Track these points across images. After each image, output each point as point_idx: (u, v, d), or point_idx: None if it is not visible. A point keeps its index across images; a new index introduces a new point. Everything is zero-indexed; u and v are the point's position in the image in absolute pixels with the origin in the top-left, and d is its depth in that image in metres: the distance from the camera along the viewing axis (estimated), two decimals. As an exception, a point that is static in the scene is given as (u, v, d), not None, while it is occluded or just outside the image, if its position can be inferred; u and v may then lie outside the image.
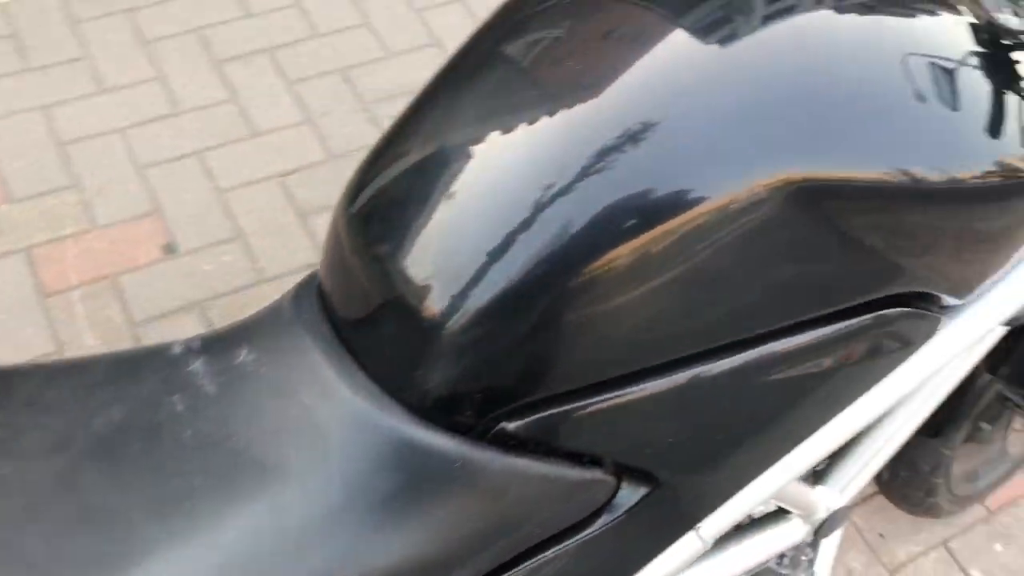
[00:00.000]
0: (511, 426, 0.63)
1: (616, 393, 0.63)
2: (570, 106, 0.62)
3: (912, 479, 1.35)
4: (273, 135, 1.97)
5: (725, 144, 0.60)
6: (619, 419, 0.64)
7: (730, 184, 0.59)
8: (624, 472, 0.68)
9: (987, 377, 1.16)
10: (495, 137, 0.63)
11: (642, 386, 0.64)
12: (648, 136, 0.60)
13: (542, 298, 0.59)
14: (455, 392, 0.62)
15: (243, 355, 0.67)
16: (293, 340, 0.67)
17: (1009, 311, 0.76)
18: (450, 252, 0.61)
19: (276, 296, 0.73)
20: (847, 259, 0.64)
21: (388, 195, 0.66)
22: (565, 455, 0.65)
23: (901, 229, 0.64)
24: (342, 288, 0.68)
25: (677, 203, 0.59)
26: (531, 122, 0.62)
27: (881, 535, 1.58)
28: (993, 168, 0.64)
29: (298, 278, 0.75)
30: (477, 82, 0.67)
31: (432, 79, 0.71)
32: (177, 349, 0.68)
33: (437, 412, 0.62)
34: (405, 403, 0.63)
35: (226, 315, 1.67)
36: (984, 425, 1.33)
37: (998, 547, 1.60)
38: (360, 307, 0.67)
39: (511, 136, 0.62)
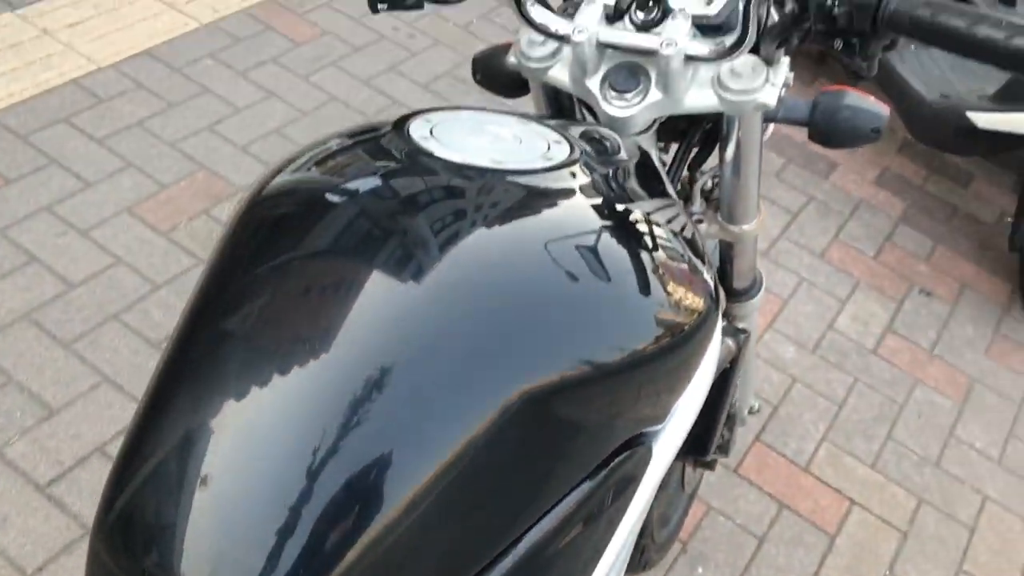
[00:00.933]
0: None
1: None
2: (303, 367, 0.64)
3: (628, 549, 1.51)
4: None
5: (457, 378, 0.66)
6: None
7: (472, 413, 0.65)
8: None
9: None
10: (243, 414, 0.63)
11: None
12: (387, 383, 0.64)
13: (339, 568, 0.61)
14: None
15: None
16: None
17: (694, 414, 0.92)
18: (229, 547, 0.60)
19: None
20: (577, 439, 0.74)
21: (147, 499, 0.63)
22: None
23: (610, 399, 0.75)
24: None
25: (435, 442, 0.64)
26: (274, 392, 0.64)
27: (610, 600, 1.73)
28: (657, 328, 0.77)
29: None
30: (206, 364, 0.67)
31: (157, 371, 0.70)
32: None
33: None
34: None
35: None
36: (661, 475, 1.52)
37: (700, 570, 1.83)
38: None
39: (260, 411, 0.63)
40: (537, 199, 0.75)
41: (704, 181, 1.20)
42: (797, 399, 2.20)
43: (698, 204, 1.22)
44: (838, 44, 0.80)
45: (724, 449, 1.49)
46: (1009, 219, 2.64)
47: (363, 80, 2.72)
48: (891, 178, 2.92)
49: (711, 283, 0.85)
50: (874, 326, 2.43)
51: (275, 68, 2.69)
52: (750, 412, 1.68)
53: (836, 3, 0.77)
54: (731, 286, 1.31)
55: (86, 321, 1.95)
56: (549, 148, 0.81)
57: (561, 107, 1.15)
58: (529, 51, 1.04)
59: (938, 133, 2.65)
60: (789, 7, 0.82)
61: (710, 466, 1.51)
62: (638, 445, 0.83)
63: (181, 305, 2.01)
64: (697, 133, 1.15)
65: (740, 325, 1.35)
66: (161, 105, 2.48)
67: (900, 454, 2.14)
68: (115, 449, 1.75)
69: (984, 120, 2.46)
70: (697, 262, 0.84)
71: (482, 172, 0.75)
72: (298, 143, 2.44)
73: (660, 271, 0.78)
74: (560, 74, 1.03)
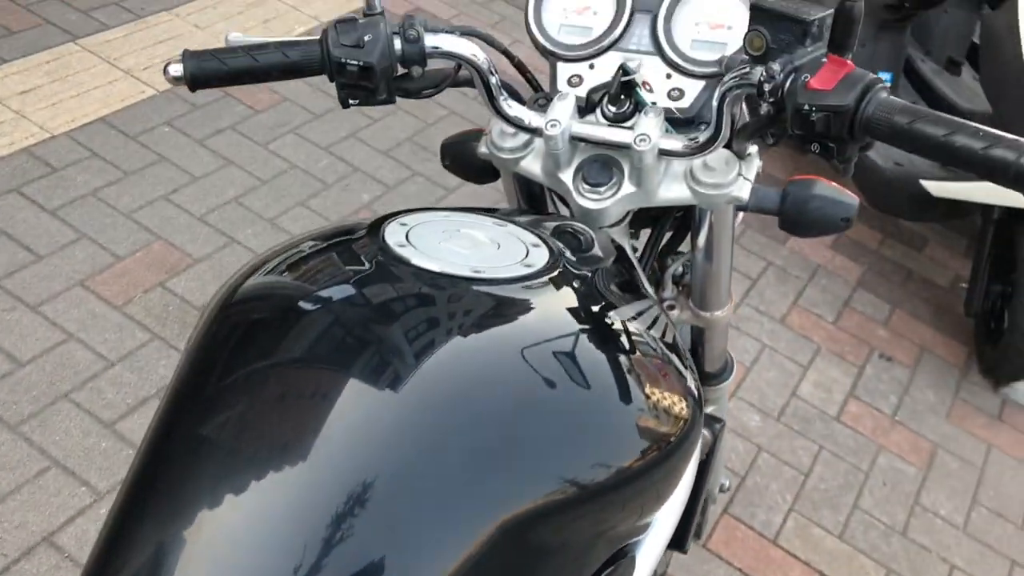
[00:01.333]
0: None
1: None
2: (279, 481, 0.62)
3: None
4: None
5: (440, 501, 0.63)
6: None
7: (455, 537, 0.63)
8: None
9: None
10: (218, 527, 0.61)
11: None
12: (366, 505, 0.62)
13: None
14: None
15: None
16: None
17: (676, 516, 0.90)
18: None
19: None
20: (561, 561, 0.71)
21: None
22: None
23: (596, 519, 0.73)
24: None
25: (417, 567, 0.62)
26: (250, 506, 0.61)
27: None
28: (644, 442, 0.75)
29: None
30: (179, 474, 0.64)
31: (128, 479, 0.67)
32: None
33: None
34: None
35: None
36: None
37: (671, 651, 1.79)
38: None
39: (234, 524, 0.61)
40: (518, 311, 0.73)
41: (675, 267, 1.19)
42: (764, 469, 2.19)
43: (669, 290, 1.21)
44: (815, 147, 0.80)
45: (698, 533, 1.47)
46: (963, 284, 2.68)
47: (323, 147, 2.70)
48: (847, 243, 2.96)
49: (695, 389, 0.83)
50: (836, 392, 2.44)
51: (233, 136, 2.66)
52: (721, 491, 1.66)
53: (813, 109, 0.77)
54: (702, 370, 1.30)
55: (35, 401, 1.88)
56: (528, 253, 0.80)
57: (532, 194, 1.14)
58: (500, 142, 1.03)
59: (893, 201, 2.69)
60: (764, 108, 0.82)
61: (683, 551, 1.49)
62: (622, 557, 0.81)
63: (136, 382, 1.95)
64: (668, 220, 1.15)
65: (711, 409, 1.34)
66: (116, 174, 2.44)
67: (867, 524, 2.13)
68: (64, 539, 1.68)
69: (937, 188, 2.51)
70: (680, 367, 0.82)
71: (461, 282, 0.73)
72: (257, 212, 2.41)
73: (646, 385, 0.77)
74: (532, 165, 1.02)
